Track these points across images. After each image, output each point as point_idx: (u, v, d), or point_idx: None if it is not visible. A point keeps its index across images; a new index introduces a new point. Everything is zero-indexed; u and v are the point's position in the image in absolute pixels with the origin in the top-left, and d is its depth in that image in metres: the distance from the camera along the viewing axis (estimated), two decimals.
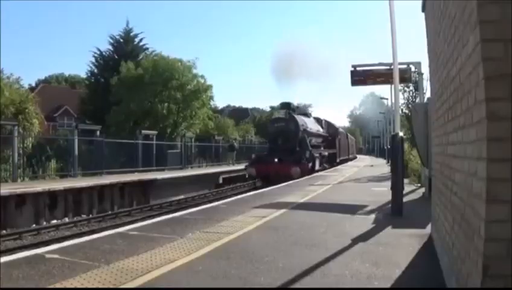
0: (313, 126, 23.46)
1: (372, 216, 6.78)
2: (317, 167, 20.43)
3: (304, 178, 16.52)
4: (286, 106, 21.59)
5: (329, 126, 28.99)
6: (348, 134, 45.46)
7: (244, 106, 74.00)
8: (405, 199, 7.48)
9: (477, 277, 1.97)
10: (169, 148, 23.92)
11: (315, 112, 46.75)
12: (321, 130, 25.84)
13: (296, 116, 20.82)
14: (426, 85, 11.99)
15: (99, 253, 4.24)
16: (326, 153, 24.86)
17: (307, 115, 25.38)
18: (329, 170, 23.78)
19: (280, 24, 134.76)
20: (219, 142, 29.84)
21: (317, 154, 21.06)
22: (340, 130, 34.82)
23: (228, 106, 73.62)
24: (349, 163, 37.41)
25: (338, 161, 30.02)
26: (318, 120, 26.88)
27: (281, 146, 19.61)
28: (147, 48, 34.15)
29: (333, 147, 27.94)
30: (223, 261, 3.97)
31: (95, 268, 3.68)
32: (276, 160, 18.04)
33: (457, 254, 2.69)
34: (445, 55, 3.26)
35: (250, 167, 19.62)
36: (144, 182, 16.64)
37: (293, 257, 4.12)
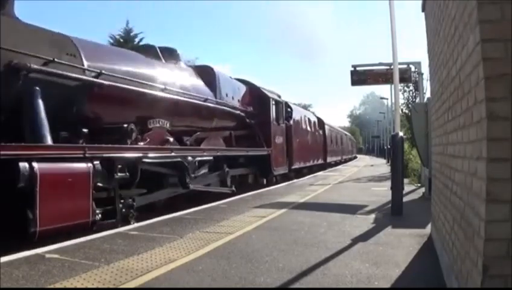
0: (150, 71, 7.78)
1: (372, 216, 6.78)
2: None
3: (305, 178, 16.51)
4: None
5: (253, 95, 12.86)
6: (331, 125, 29.25)
7: None
8: (405, 199, 7.47)
9: (477, 276, 1.98)
10: None
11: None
12: (207, 92, 9.73)
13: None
14: (426, 85, 12.02)
15: (99, 253, 4.24)
16: (205, 158, 9.02)
17: (158, 54, 8.72)
18: (329, 169, 23.69)
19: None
20: None
21: (80, 164, 5.14)
22: (301, 111, 19.15)
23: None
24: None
25: (280, 172, 14.05)
26: (204, 73, 10.13)
27: None
28: None
29: (260, 142, 12.62)
30: (223, 261, 3.97)
31: (95, 268, 3.69)
32: None
33: (457, 253, 2.70)
34: (445, 55, 3.26)
35: None
36: None
37: (293, 257, 4.12)
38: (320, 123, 23.37)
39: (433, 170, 5.30)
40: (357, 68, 13.39)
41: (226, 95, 10.67)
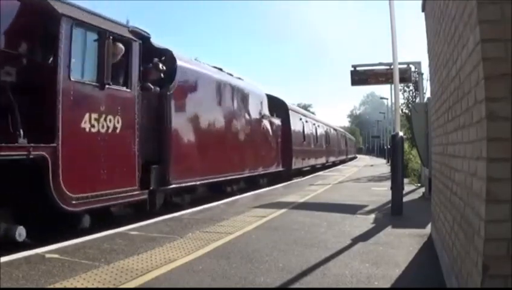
0: None
1: (372, 216, 6.78)
2: None
3: (304, 178, 16.50)
4: None
5: (30, 17, 5.33)
6: (305, 113, 21.26)
7: None
8: (405, 199, 7.48)
9: (477, 276, 1.97)
10: None
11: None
12: None
13: None
14: (426, 85, 12.05)
15: (99, 253, 4.24)
16: None
17: None
18: (329, 169, 23.68)
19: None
20: None
21: None
22: (207, 73, 9.35)
23: None
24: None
25: (95, 205, 5.51)
26: None
27: None
28: None
29: (14, 128, 4.77)
30: (223, 261, 3.97)
31: (95, 268, 3.69)
32: None
33: (457, 253, 2.70)
34: (445, 55, 3.26)
35: None
36: None
37: (293, 257, 4.12)
38: (277, 106, 14.51)
39: (433, 170, 5.30)
40: (357, 68, 13.41)
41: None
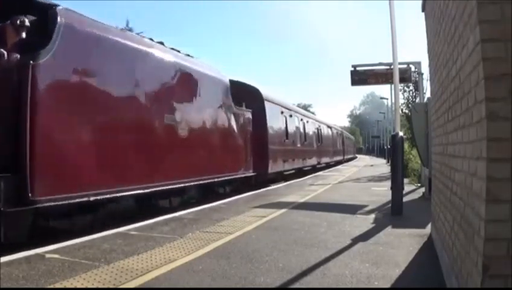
0: None
1: (372, 216, 6.78)
2: None
3: (304, 178, 16.51)
4: None
5: None
6: (288, 105, 16.53)
7: None
8: (405, 199, 7.48)
9: (477, 276, 1.98)
10: None
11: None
12: None
13: None
14: (426, 85, 12.05)
15: (99, 253, 4.24)
16: None
17: None
18: (329, 169, 23.70)
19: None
20: None
21: None
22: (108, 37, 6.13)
23: None
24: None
25: None
26: None
27: None
28: None
29: None
30: (223, 261, 3.97)
31: (95, 268, 3.69)
32: None
33: (457, 253, 2.70)
34: (445, 55, 3.26)
35: None
36: None
37: (293, 257, 4.12)
38: (248, 95, 11.89)
39: (433, 170, 5.30)
40: (357, 68, 13.42)
41: None
